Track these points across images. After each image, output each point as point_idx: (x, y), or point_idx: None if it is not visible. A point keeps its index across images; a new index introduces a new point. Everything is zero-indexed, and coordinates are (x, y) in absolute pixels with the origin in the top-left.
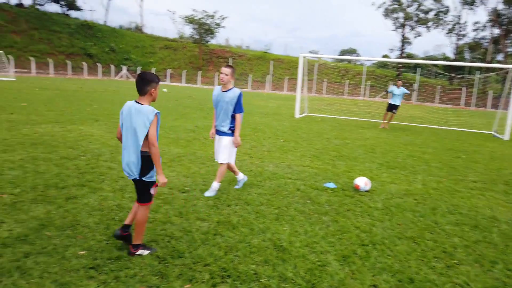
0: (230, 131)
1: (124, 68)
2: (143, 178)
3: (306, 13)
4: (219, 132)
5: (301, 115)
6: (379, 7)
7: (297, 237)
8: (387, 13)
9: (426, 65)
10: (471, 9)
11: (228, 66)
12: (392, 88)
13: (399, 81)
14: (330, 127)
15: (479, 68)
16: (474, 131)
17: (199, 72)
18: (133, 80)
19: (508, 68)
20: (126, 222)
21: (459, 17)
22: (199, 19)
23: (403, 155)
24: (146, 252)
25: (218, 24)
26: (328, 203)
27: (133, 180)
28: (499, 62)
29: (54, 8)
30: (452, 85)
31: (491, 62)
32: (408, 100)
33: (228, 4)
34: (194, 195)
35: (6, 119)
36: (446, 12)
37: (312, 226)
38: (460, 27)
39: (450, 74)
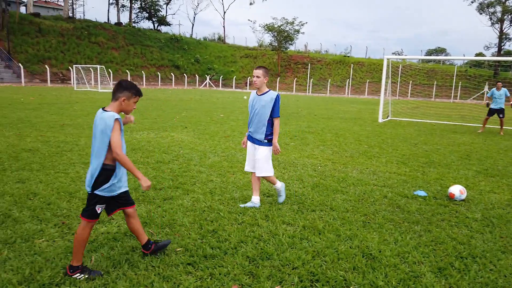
0: (266, 140)
1: (207, 78)
2: (95, 192)
3: (387, 13)
4: (254, 140)
5: (384, 120)
6: (472, 1)
7: (387, 246)
8: (482, 8)
9: None
10: None
11: (260, 67)
12: (491, 91)
13: (499, 83)
14: (417, 132)
15: None
16: None
17: (278, 79)
18: (216, 88)
19: None
20: (142, 242)
21: None
22: (279, 26)
23: (504, 162)
24: (81, 276)
25: (297, 31)
26: (419, 212)
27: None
28: None
29: (147, 24)
30: None
31: None
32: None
33: (306, 9)
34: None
35: None
36: None
37: (402, 235)
38: None
39: None
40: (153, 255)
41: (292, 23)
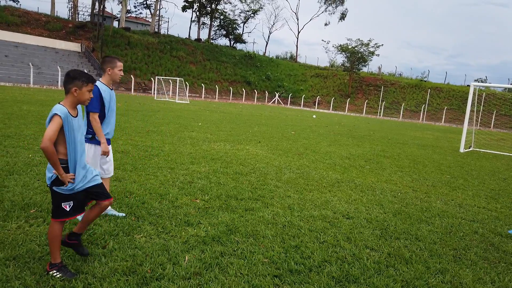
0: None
1: (277, 95)
2: (54, 188)
3: (471, 38)
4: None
5: (467, 150)
6: None
7: (483, 286)
8: None
9: None
10: None
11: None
12: None
13: None
14: (506, 166)
15: None
16: None
17: (348, 100)
18: (284, 106)
19: None
20: (75, 230)
21: None
22: (353, 47)
23: None
24: (58, 274)
25: (372, 52)
26: None
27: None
28: None
29: (224, 41)
30: None
31: None
32: None
33: (383, 31)
34: (360, 223)
35: (189, 136)
36: None
37: (499, 276)
38: None
39: None
40: (65, 246)
41: (367, 44)
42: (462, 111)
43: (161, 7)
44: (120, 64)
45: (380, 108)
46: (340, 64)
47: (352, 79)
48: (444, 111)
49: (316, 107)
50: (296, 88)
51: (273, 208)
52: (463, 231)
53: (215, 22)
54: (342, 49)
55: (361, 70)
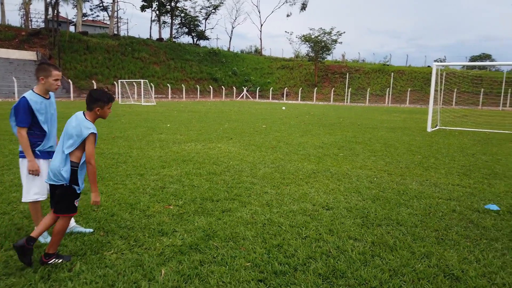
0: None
1: (245, 89)
2: (72, 185)
3: (428, 21)
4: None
5: (433, 129)
6: None
7: (469, 265)
8: None
9: None
10: None
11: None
12: None
13: None
14: (472, 141)
15: None
16: None
17: (315, 89)
18: (253, 100)
19: None
20: (33, 234)
21: None
22: (316, 37)
23: None
24: (59, 260)
25: (334, 41)
26: (496, 227)
27: (56, 186)
28: None
29: (186, 39)
30: None
31: None
32: None
33: (343, 19)
34: (340, 213)
35: (157, 138)
36: None
37: (483, 254)
38: None
39: None
40: (15, 250)
41: (330, 33)
42: (425, 91)
43: (118, 8)
44: (56, 73)
45: (347, 95)
46: (305, 54)
47: (318, 68)
48: (408, 93)
49: (284, 99)
50: (264, 81)
51: (251, 207)
52: (441, 211)
53: (176, 20)
54: (306, 39)
55: (325, 59)
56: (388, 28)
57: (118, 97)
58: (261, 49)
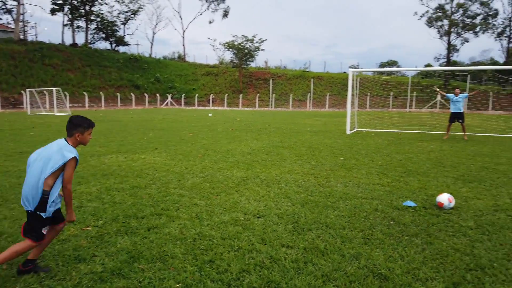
0: None
1: (169, 96)
2: (38, 212)
3: (342, 30)
4: None
5: (352, 131)
6: (422, 16)
7: (395, 263)
8: (431, 21)
9: (474, 71)
10: None
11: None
12: (451, 96)
13: (457, 90)
14: (387, 142)
15: None
16: None
17: (240, 95)
18: (178, 107)
19: None
20: (29, 257)
21: (510, 19)
22: (239, 44)
23: (476, 167)
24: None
25: (257, 48)
26: (415, 223)
27: (28, 211)
28: None
29: (104, 45)
30: (505, 90)
31: None
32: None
33: (265, 27)
34: (271, 220)
35: None
36: (494, 15)
37: (406, 250)
38: (511, 29)
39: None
40: (22, 274)
41: (252, 40)
42: (342, 96)
43: (24, 11)
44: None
45: (271, 100)
46: (229, 61)
47: (242, 75)
48: (327, 98)
49: (211, 105)
50: (189, 88)
51: (180, 221)
52: (366, 211)
53: (92, 25)
54: (229, 46)
55: (249, 66)
56: (305, 36)
57: (27, 108)
58: (184, 55)
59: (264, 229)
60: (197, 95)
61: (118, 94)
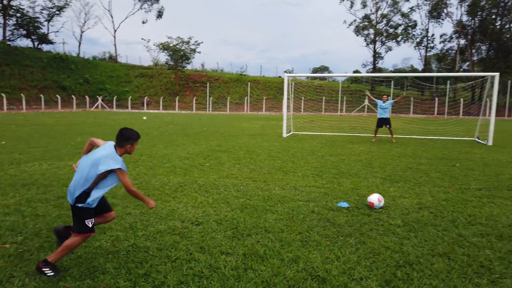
0: None
1: (99, 98)
2: (78, 204)
3: (276, 35)
4: None
5: (288, 134)
6: (350, 24)
7: (331, 264)
8: (358, 30)
9: (397, 77)
10: (438, 22)
11: None
12: (379, 103)
13: (385, 96)
14: (321, 144)
15: (449, 78)
16: (457, 139)
17: (177, 98)
18: (110, 110)
19: (475, 76)
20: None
21: (426, 30)
22: (174, 45)
23: (401, 167)
24: (52, 273)
25: (193, 50)
26: (348, 223)
27: (71, 205)
28: (465, 71)
29: (25, 43)
30: (424, 95)
31: (458, 71)
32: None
33: (201, 29)
34: (210, 227)
35: None
36: (414, 26)
37: (341, 251)
38: (428, 39)
39: (427, 85)
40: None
41: (188, 42)
42: (277, 99)
43: None
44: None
45: (209, 104)
46: (164, 62)
47: (178, 77)
48: (264, 101)
49: (145, 108)
50: (121, 90)
51: (112, 232)
52: (303, 213)
53: (11, 21)
54: (164, 47)
55: (185, 68)
56: (241, 40)
57: None
58: (116, 55)
59: (202, 236)
60: (130, 97)
61: (41, 95)
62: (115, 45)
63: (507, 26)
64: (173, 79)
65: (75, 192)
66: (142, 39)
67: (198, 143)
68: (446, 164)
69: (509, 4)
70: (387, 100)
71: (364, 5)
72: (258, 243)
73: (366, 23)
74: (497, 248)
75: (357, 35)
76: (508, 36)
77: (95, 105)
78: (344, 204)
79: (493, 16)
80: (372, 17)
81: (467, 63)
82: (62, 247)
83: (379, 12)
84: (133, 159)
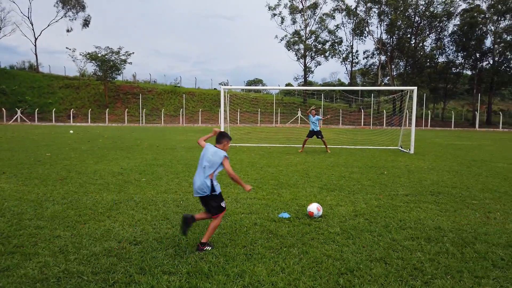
0: None
1: (18, 111)
2: (213, 193)
3: (211, 46)
4: None
5: None
6: (281, 39)
7: (277, 277)
8: (289, 45)
9: (326, 90)
10: (361, 39)
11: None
12: (310, 117)
13: (313, 111)
14: (259, 156)
15: (372, 91)
16: (383, 148)
17: (107, 110)
18: (31, 123)
19: (395, 90)
20: (196, 217)
21: (351, 47)
22: (103, 56)
23: (335, 176)
24: (209, 248)
25: (124, 61)
26: (291, 234)
27: (203, 197)
28: (386, 85)
29: None
30: (351, 107)
31: (380, 85)
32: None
33: (131, 40)
34: (150, 246)
35: None
36: (340, 42)
37: (286, 262)
38: (353, 55)
39: (358, 97)
40: (182, 219)
41: (118, 52)
42: (213, 111)
43: None
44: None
45: (142, 116)
46: (92, 73)
47: (108, 89)
48: (200, 113)
49: (72, 121)
50: (44, 102)
51: (39, 258)
52: (246, 226)
53: None
54: (92, 57)
55: (116, 79)
56: (175, 51)
57: None
58: (37, 65)
59: (142, 257)
60: (54, 109)
61: None
62: (35, 54)
63: (421, 44)
64: (103, 91)
65: (204, 186)
66: (67, 48)
67: (132, 157)
68: (376, 172)
69: (421, 24)
70: (315, 115)
71: (294, 21)
72: (201, 260)
73: (296, 39)
74: (426, 250)
75: (288, 50)
76: (421, 53)
77: (14, 118)
78: (286, 215)
79: (408, 35)
80: (302, 33)
81: (388, 77)
82: (210, 229)
83: (308, 29)
84: (60, 176)
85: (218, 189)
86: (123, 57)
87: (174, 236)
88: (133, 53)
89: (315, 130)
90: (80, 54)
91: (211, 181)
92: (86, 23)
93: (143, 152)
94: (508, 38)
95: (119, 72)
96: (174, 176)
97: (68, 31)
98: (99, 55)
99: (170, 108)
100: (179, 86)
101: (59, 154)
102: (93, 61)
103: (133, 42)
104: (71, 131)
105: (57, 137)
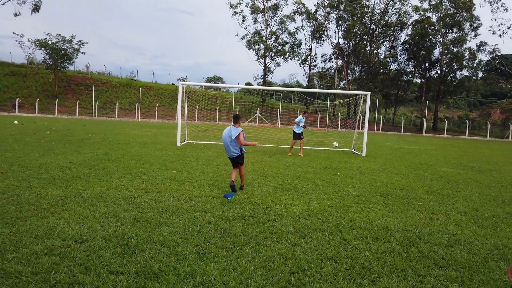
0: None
1: None
2: (242, 152)
3: (170, 41)
4: None
5: (182, 143)
6: (242, 38)
7: (229, 276)
8: (249, 44)
9: (285, 91)
10: (319, 43)
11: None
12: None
13: (306, 114)
14: (216, 154)
15: (329, 94)
16: (337, 150)
17: (56, 101)
18: None
19: (350, 94)
20: (232, 179)
21: (310, 50)
22: (54, 43)
23: (291, 176)
24: (243, 185)
25: (76, 50)
26: (244, 233)
27: (235, 157)
28: (342, 88)
29: None
30: (308, 109)
31: (336, 88)
32: (275, 124)
33: (85, 28)
34: (97, 245)
35: None
36: (299, 45)
37: (238, 261)
38: (311, 58)
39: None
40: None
41: (71, 41)
42: (171, 107)
43: None
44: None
45: (94, 108)
46: (41, 61)
47: (59, 78)
48: (156, 108)
49: (17, 111)
50: None
51: None
52: (199, 225)
53: None
54: (41, 44)
55: (67, 69)
56: (132, 43)
57: None
58: None
59: (88, 255)
60: None
61: None
62: None
63: (375, 51)
64: (52, 80)
65: (236, 150)
66: (14, 33)
67: (82, 151)
68: (329, 173)
69: (376, 32)
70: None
71: (255, 21)
72: (152, 259)
73: (257, 38)
74: (374, 250)
75: (249, 49)
76: (376, 60)
77: None
78: (230, 195)
79: (364, 42)
80: (263, 33)
81: (344, 81)
82: (243, 175)
83: (269, 29)
84: (1, 169)
85: (243, 150)
86: (75, 46)
87: (124, 234)
88: (86, 42)
89: (300, 132)
90: (29, 41)
91: (241, 148)
92: (36, 7)
93: (94, 146)
94: (455, 50)
95: (71, 61)
96: (126, 172)
97: (16, 15)
98: (50, 42)
99: (125, 101)
100: (135, 80)
101: (0, 146)
102: (43, 49)
103: (87, 31)
104: (16, 122)
105: (0, 128)
